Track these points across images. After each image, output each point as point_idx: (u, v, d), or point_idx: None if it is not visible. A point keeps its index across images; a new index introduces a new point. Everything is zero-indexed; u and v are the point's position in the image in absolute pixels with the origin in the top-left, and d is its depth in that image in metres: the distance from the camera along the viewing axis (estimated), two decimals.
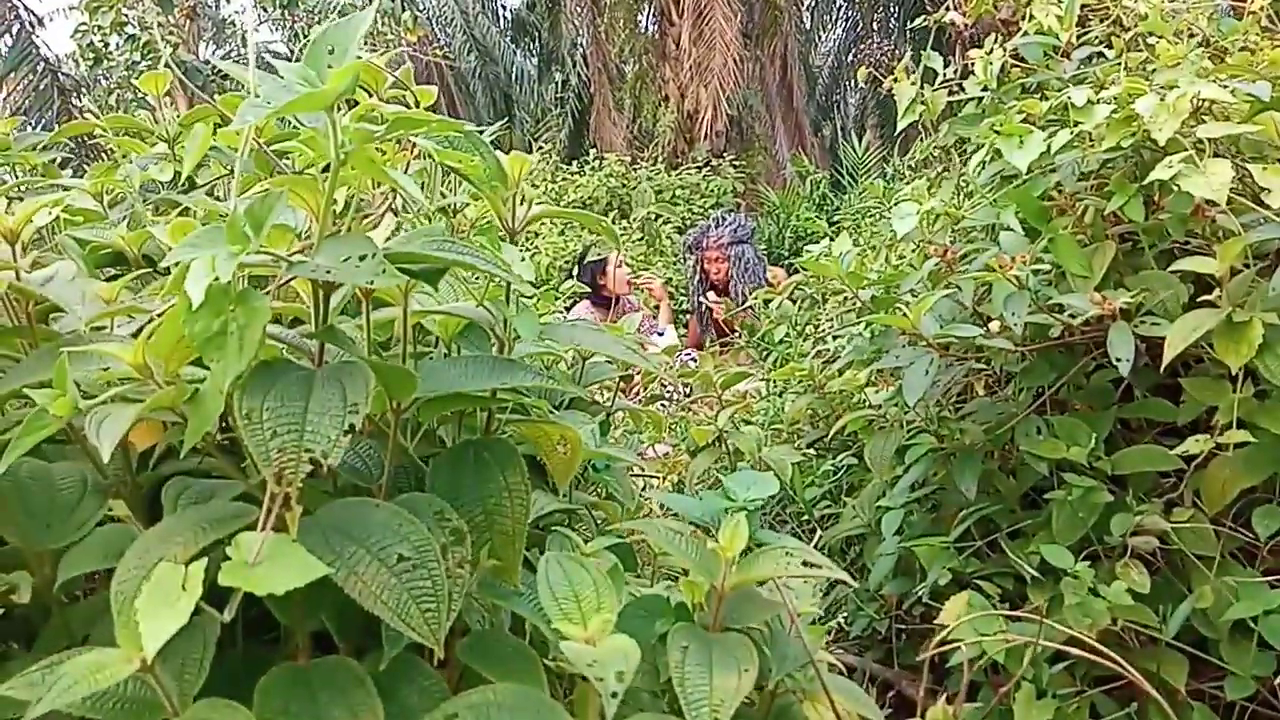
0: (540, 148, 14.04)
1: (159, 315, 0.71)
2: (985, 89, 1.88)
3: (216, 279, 0.53)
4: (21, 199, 1.53)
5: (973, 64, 2.00)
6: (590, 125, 14.74)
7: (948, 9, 2.12)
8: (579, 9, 13.90)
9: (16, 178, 1.68)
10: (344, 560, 0.61)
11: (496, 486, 0.77)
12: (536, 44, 22.42)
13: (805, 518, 1.98)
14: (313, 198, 0.59)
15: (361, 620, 0.65)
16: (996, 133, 1.83)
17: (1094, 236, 1.50)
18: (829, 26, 22.04)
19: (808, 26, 19.83)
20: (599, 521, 1.25)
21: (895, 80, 2.08)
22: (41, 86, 9.80)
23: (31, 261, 1.04)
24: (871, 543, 1.75)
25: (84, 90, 12.68)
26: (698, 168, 9.35)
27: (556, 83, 17.73)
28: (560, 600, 0.67)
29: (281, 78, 0.54)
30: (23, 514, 0.72)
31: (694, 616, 0.79)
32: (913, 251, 1.74)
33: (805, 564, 0.72)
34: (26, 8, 9.77)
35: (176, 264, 0.53)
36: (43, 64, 9.86)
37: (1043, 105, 1.72)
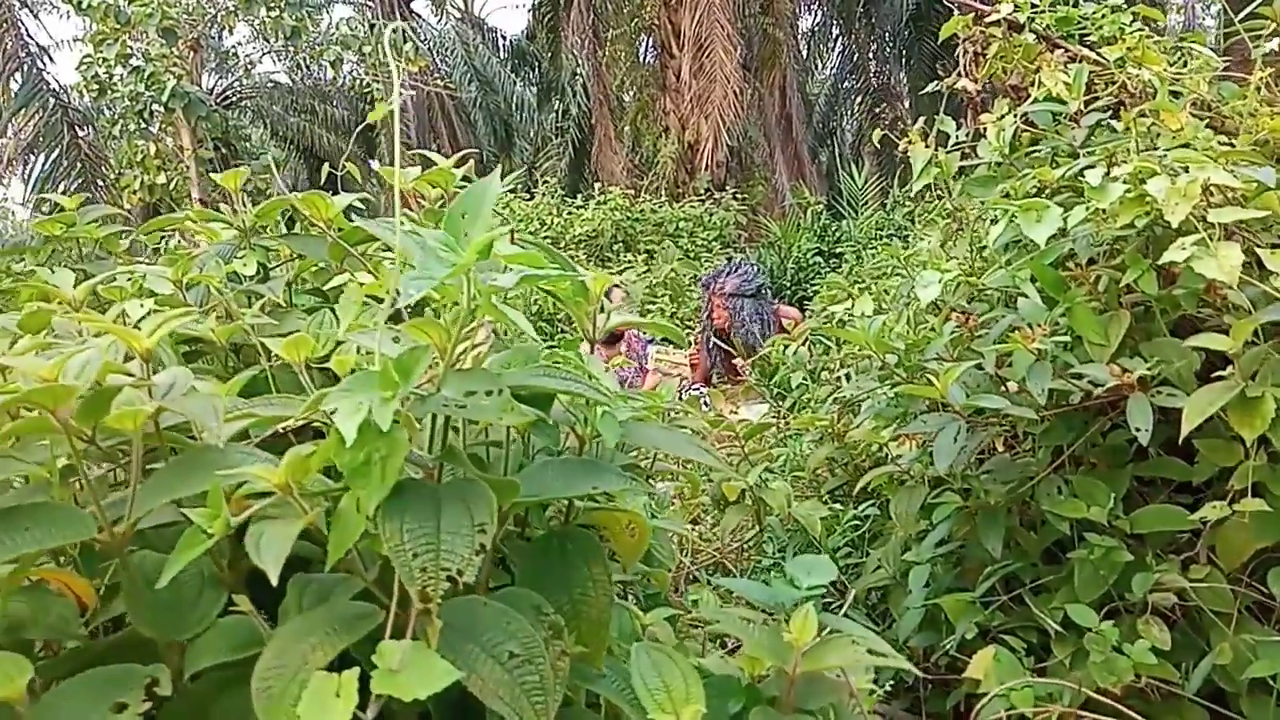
0: (543, 179, 14.20)
1: (285, 430, 0.78)
2: (1000, 154, 1.96)
3: (368, 419, 0.60)
4: (88, 274, 1.60)
5: (984, 128, 2.09)
6: (591, 155, 14.90)
7: (959, 76, 2.21)
8: (579, 40, 14.10)
9: (80, 252, 1.76)
10: (465, 660, 0.68)
11: (581, 577, 0.83)
12: (536, 73, 22.71)
13: None
14: (439, 336, 0.66)
15: (456, 698, 0.72)
16: (1008, 196, 1.92)
17: (1108, 304, 1.58)
18: (825, 55, 22.36)
19: (804, 56, 20.13)
20: (647, 586, 1.32)
21: (910, 141, 2.17)
22: (51, 121, 9.92)
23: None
24: (897, 594, 1.81)
25: (89, 122, 12.84)
26: (700, 200, 9.47)
27: (557, 112, 17.94)
28: (652, 691, 0.73)
29: (420, 239, 0.61)
30: (152, 606, 0.79)
31: (760, 694, 0.86)
32: (931, 313, 1.82)
33: (870, 652, 0.79)
34: (39, 44, 9.92)
35: (335, 406, 0.60)
36: (53, 99, 9.99)
37: (1055, 173, 1.81)
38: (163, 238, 2.19)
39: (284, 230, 1.29)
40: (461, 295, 0.62)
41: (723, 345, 4.46)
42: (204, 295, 1.26)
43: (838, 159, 22.14)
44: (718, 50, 11.05)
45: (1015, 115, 2.01)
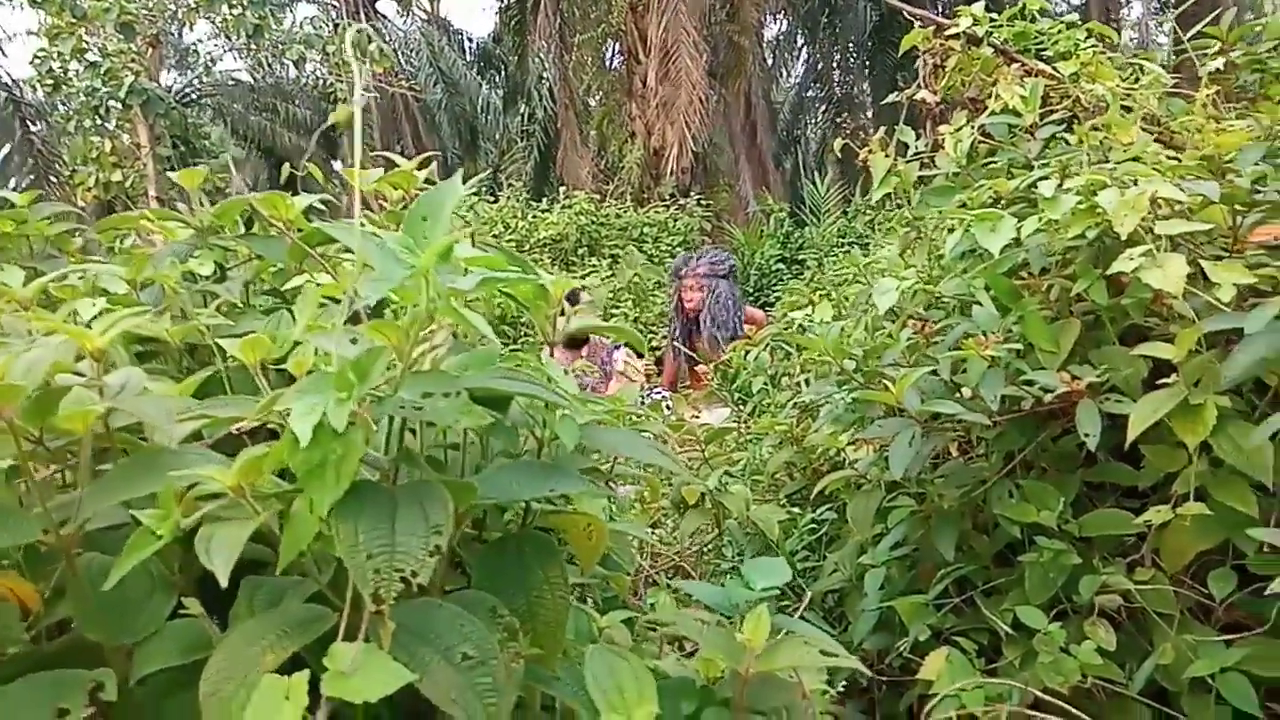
0: (508, 182, 14.14)
1: (240, 431, 0.77)
2: (957, 165, 2.00)
3: (323, 421, 0.60)
4: (39, 272, 1.57)
5: (943, 139, 2.13)
6: (557, 159, 14.88)
7: (919, 87, 2.26)
8: (546, 45, 14.08)
9: (31, 249, 1.72)
10: (418, 662, 0.67)
11: (538, 579, 0.83)
12: (502, 76, 22.64)
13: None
14: (396, 337, 0.66)
15: (410, 704, 0.72)
16: (965, 206, 1.96)
17: (1060, 313, 1.62)
18: (790, 64, 22.60)
19: (769, 65, 20.32)
20: (605, 589, 1.32)
21: (870, 151, 2.20)
22: (2, 115, 9.68)
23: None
24: (853, 596, 1.83)
25: (42, 116, 12.54)
26: (665, 205, 9.51)
27: (523, 115, 17.90)
28: (606, 692, 0.73)
29: (376, 237, 0.61)
30: (100, 609, 0.78)
31: (714, 695, 0.87)
32: (889, 320, 1.85)
33: (823, 653, 0.80)
34: None
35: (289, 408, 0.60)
36: (4, 93, 9.74)
37: (1010, 184, 1.85)
38: (118, 237, 2.15)
39: (242, 230, 1.28)
40: (420, 297, 0.62)
41: (688, 352, 4.47)
42: (159, 295, 1.24)
43: (801, 166, 22.37)
44: (684, 57, 11.11)
45: (973, 127, 2.06)
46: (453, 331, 0.84)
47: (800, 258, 8.46)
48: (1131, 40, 21.33)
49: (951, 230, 2.04)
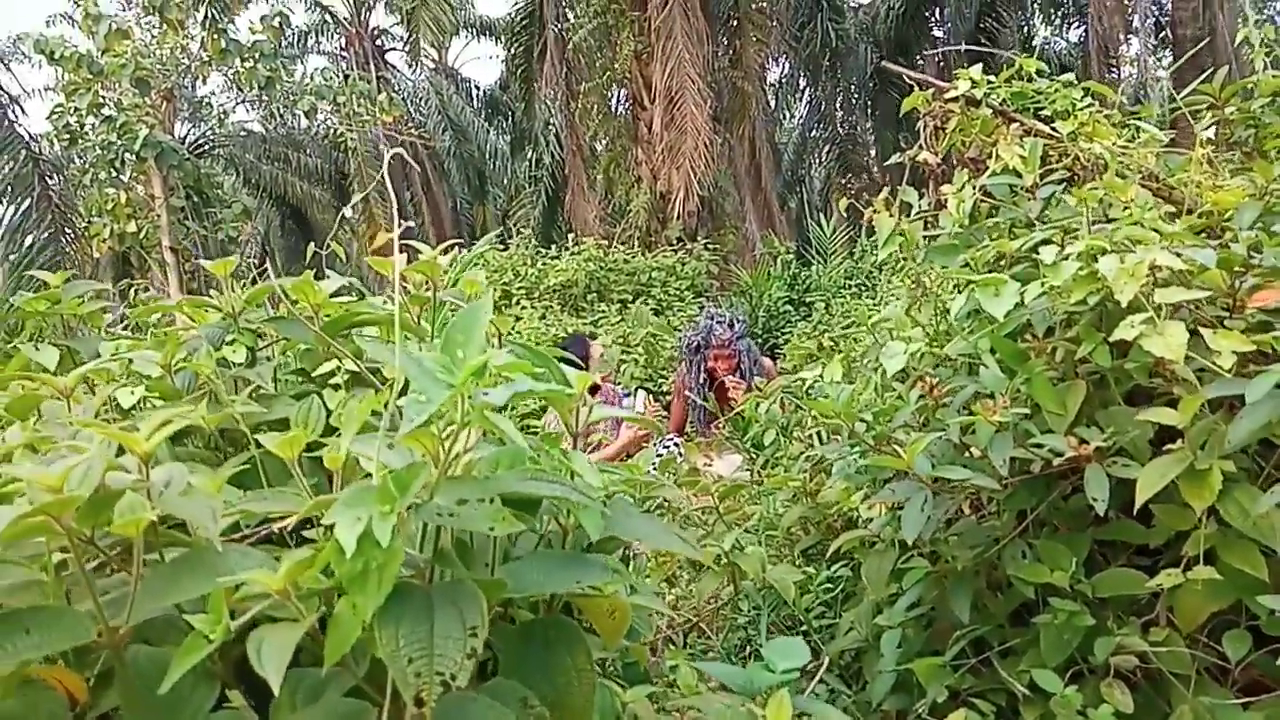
0: (516, 227, 14.30)
1: (282, 526, 0.81)
2: (960, 225, 2.05)
3: (368, 531, 0.63)
4: (70, 350, 1.62)
5: (946, 198, 2.19)
6: (565, 203, 15.06)
7: (920, 148, 2.31)
8: (553, 92, 14.33)
9: (65, 327, 1.77)
10: None
11: (564, 666, 0.86)
12: (510, 122, 23.01)
13: (804, 627, 2.07)
14: (432, 445, 0.70)
15: None
16: (968, 266, 2.00)
17: (1065, 374, 1.65)
18: (793, 105, 22.91)
19: (772, 107, 20.60)
20: (625, 656, 1.34)
21: (876, 210, 2.26)
22: (23, 173, 9.88)
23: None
24: (870, 656, 1.84)
25: (58, 170, 12.78)
26: (672, 249, 9.60)
27: (530, 160, 18.16)
28: None
29: (414, 354, 0.66)
30: (148, 703, 0.81)
31: None
32: (898, 380, 1.88)
33: None
34: (10, 95, 9.91)
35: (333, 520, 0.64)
36: (24, 151, 9.96)
37: (1012, 244, 1.89)
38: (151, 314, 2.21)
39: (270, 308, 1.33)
40: (456, 413, 0.66)
41: (703, 403, 4.50)
42: (191, 378, 1.29)
43: (806, 206, 22.57)
44: (688, 103, 11.28)
45: (974, 187, 2.11)
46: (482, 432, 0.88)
47: (808, 299, 8.51)
48: (1130, 75, 21.58)
49: (957, 288, 2.09)
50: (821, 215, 14.88)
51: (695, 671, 1.28)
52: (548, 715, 0.79)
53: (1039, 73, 2.32)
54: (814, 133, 21.92)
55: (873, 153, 21.41)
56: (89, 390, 1.28)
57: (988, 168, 2.20)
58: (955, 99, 2.28)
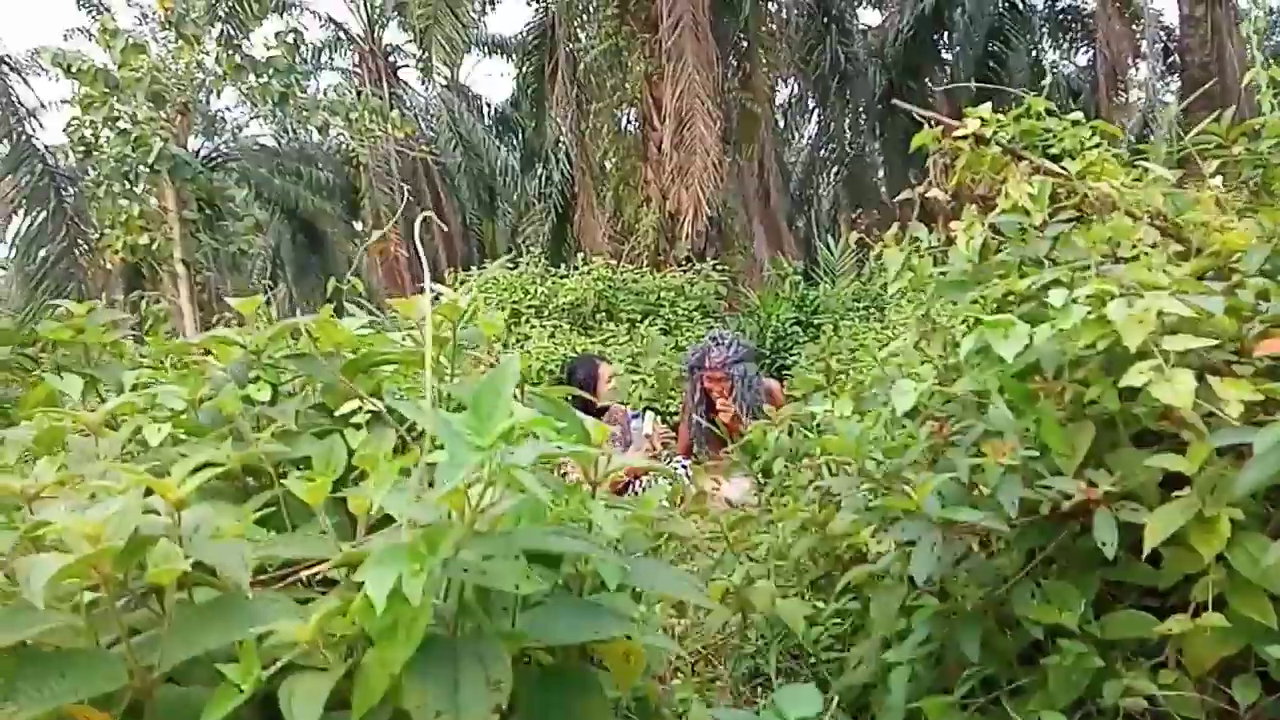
0: (525, 244, 14.37)
1: (312, 574, 0.83)
2: (969, 262, 2.07)
3: (397, 588, 0.65)
4: (100, 393, 1.65)
5: (955, 234, 2.21)
6: (574, 221, 15.15)
7: (930, 184, 2.34)
8: (563, 111, 14.44)
9: (88, 357, 1.80)
10: None
11: (584, 713, 0.88)
12: (520, 139, 23.19)
13: (813, 660, 2.08)
14: (459, 502, 0.72)
15: None
16: (978, 304, 2.02)
17: (1073, 415, 1.67)
18: (801, 125, 23.04)
19: (781, 127, 20.73)
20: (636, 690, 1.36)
21: (885, 246, 2.28)
22: (39, 186, 10.00)
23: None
24: (878, 691, 1.85)
25: (72, 182, 12.92)
26: (681, 269, 9.64)
27: (540, 178, 18.27)
28: None
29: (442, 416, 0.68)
30: None
31: None
32: (909, 417, 1.90)
33: None
34: (28, 109, 10.04)
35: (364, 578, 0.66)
36: (41, 164, 10.08)
37: (1022, 283, 1.91)
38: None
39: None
40: (484, 472, 0.68)
41: (710, 425, 4.52)
42: (215, 414, 1.32)
43: (814, 226, 22.63)
44: (698, 124, 11.36)
45: (983, 224, 2.13)
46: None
47: (816, 321, 8.53)
48: (1138, 100, 21.68)
49: (965, 324, 2.10)
50: (829, 236, 14.94)
51: (705, 711, 1.29)
52: None
53: (1048, 111, 2.35)
54: (822, 153, 22.04)
55: (880, 174, 21.53)
56: (113, 425, 1.30)
57: (996, 205, 2.23)
58: (964, 137, 2.30)
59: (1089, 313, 1.54)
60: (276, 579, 0.94)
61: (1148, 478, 1.50)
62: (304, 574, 0.85)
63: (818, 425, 2.88)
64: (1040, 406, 1.64)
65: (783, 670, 2.30)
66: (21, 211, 10.57)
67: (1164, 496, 1.50)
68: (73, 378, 1.61)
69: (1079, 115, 2.39)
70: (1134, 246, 2.00)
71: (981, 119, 2.28)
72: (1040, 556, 1.66)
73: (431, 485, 0.81)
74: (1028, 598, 1.60)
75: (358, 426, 1.20)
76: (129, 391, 1.54)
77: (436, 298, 1.25)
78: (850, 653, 2.04)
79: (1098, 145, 2.30)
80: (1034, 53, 19.76)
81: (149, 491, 0.96)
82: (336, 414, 1.23)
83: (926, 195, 2.31)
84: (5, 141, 10.17)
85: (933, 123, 2.36)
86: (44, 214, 10.14)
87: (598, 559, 0.87)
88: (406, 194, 20.93)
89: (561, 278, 8.43)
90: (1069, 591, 1.57)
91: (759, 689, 2.39)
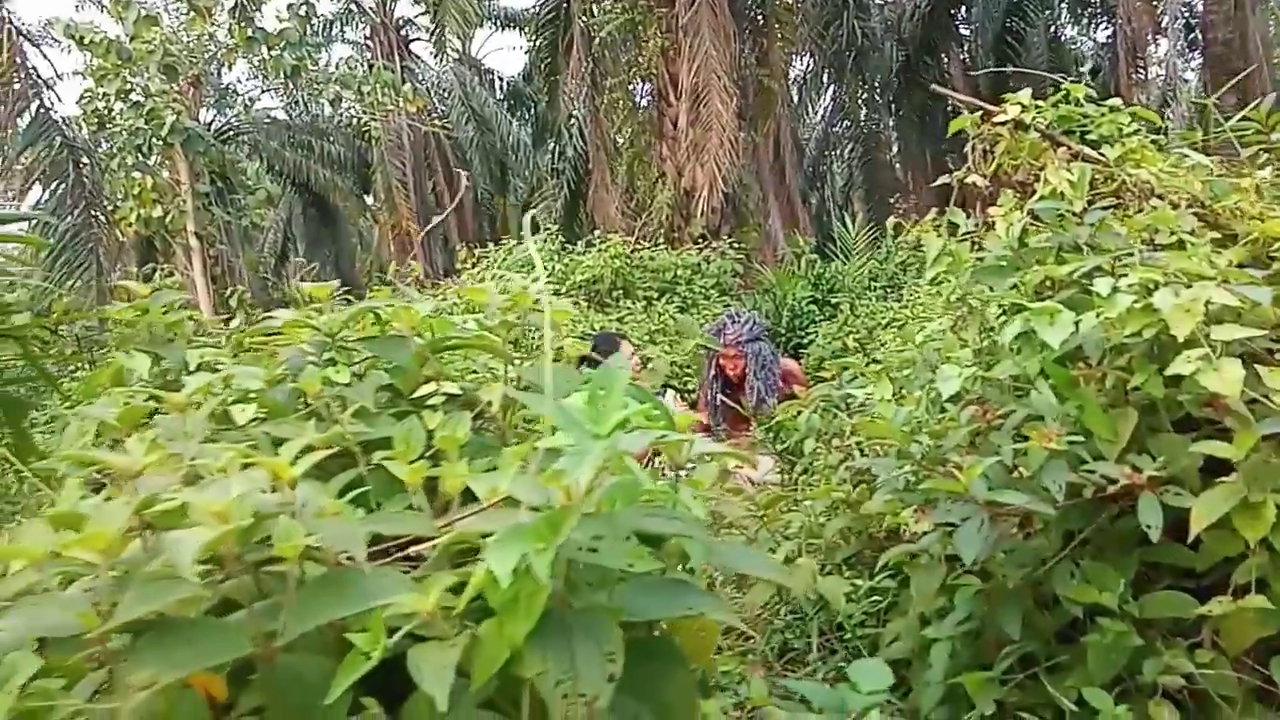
0: (540, 220, 14.33)
1: (422, 549, 0.88)
2: (1008, 248, 2.10)
3: (522, 563, 0.70)
4: (158, 357, 1.69)
5: (993, 220, 2.23)
6: (587, 197, 15.10)
7: (969, 171, 2.36)
8: (578, 86, 14.36)
9: (151, 335, 1.85)
10: None
11: (668, 684, 0.93)
12: (532, 114, 23.08)
13: (847, 636, 2.14)
14: (565, 485, 0.76)
15: None
16: (1016, 289, 2.05)
17: (1115, 401, 1.71)
18: (816, 101, 22.84)
19: (795, 102, 20.55)
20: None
21: (923, 230, 2.31)
22: (58, 158, 10.04)
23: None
24: (915, 667, 1.90)
25: (87, 154, 12.95)
26: (696, 247, 9.65)
27: (552, 153, 18.20)
28: None
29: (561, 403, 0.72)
30: (291, 708, 0.88)
31: None
32: (951, 402, 1.93)
33: None
34: (45, 82, 10.06)
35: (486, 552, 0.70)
36: (59, 136, 10.11)
37: (1062, 270, 1.94)
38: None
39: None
40: (595, 468, 0.72)
41: (729, 401, 4.55)
42: (289, 393, 1.36)
43: (831, 203, 22.53)
44: (715, 100, 11.30)
45: (1023, 211, 2.15)
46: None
47: (833, 300, 8.53)
48: (1158, 77, 21.43)
49: (1003, 310, 2.13)
50: (844, 213, 14.89)
51: (763, 683, 1.34)
52: None
53: (1087, 99, 2.36)
54: (836, 130, 21.88)
55: (895, 150, 21.37)
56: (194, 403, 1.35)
57: (1034, 191, 2.25)
58: (1003, 122, 2.32)
59: (1135, 301, 1.57)
60: (376, 557, 0.99)
61: (1189, 463, 1.54)
62: (415, 550, 0.90)
63: (848, 406, 2.92)
64: (1082, 392, 1.68)
65: (815, 646, 2.36)
66: (41, 185, 10.61)
67: (1204, 481, 1.54)
68: (140, 356, 1.66)
69: (1117, 101, 2.41)
70: (1172, 233, 2.02)
71: (1021, 104, 2.29)
72: (1079, 539, 1.70)
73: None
74: (1067, 578, 1.64)
75: (433, 408, 1.24)
76: (194, 371, 1.59)
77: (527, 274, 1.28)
78: (885, 629, 2.09)
79: (1136, 131, 2.32)
80: (1052, 28, 19.53)
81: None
82: (412, 396, 1.28)
83: (965, 181, 2.33)
84: (24, 114, 10.20)
85: (972, 108, 2.37)
86: (63, 187, 10.18)
87: (687, 539, 0.91)
88: (418, 169, 20.91)
89: (579, 254, 8.45)
90: (1107, 572, 1.62)
91: (791, 663, 2.45)
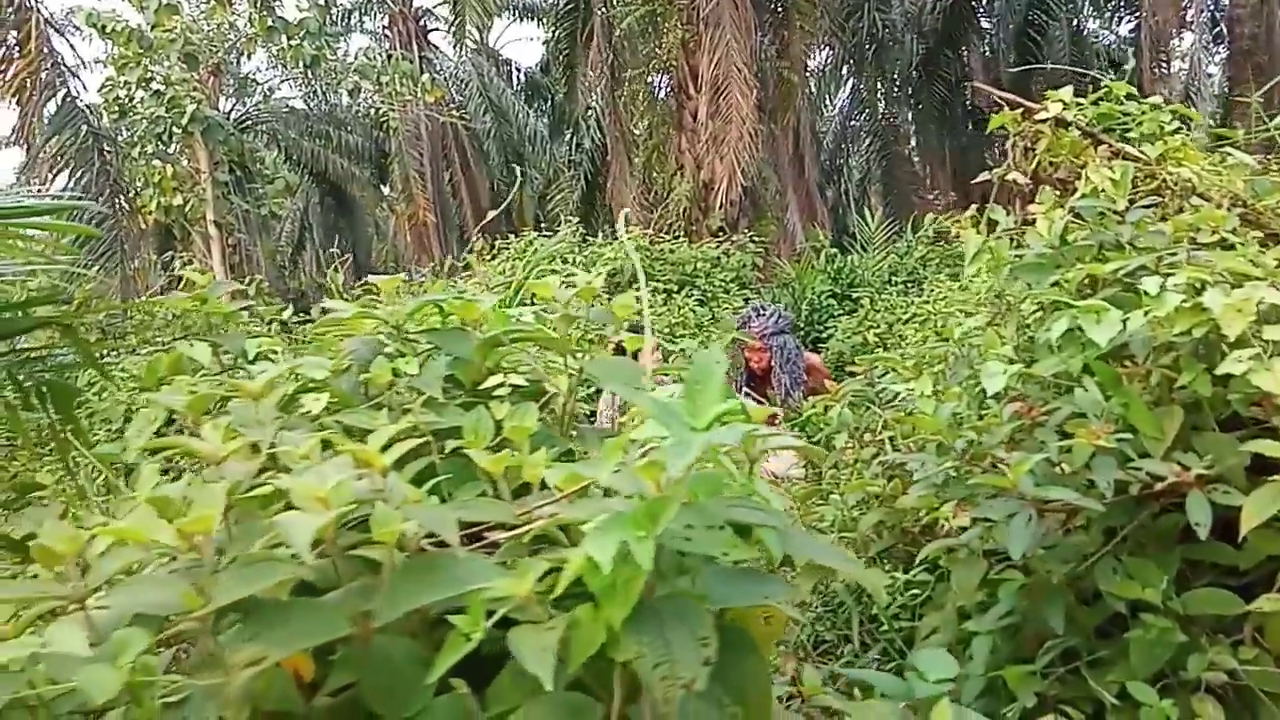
0: (553, 211, 14.36)
1: (511, 536, 0.91)
2: (1049, 246, 2.11)
3: (622, 548, 0.73)
4: (217, 346, 1.73)
5: (1033, 217, 2.24)
6: (605, 188, 15.13)
7: (1009, 168, 2.37)
8: (596, 78, 14.36)
9: (210, 325, 1.88)
10: None
11: (742, 670, 0.96)
12: (549, 105, 23.09)
13: (884, 629, 2.16)
14: (658, 474, 0.79)
15: None
16: (1058, 286, 2.06)
17: (1159, 399, 1.72)
18: (834, 93, 22.74)
19: (814, 94, 20.47)
20: None
21: (962, 228, 2.32)
22: (84, 147, 10.13)
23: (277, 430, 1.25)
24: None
25: (110, 142, 13.07)
26: (716, 240, 9.65)
27: (569, 144, 18.20)
28: None
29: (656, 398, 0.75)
30: (381, 687, 0.91)
31: None
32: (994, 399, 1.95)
33: None
34: (72, 71, 10.14)
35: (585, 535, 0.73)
36: (85, 125, 10.20)
37: (1105, 268, 1.95)
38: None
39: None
40: (690, 459, 0.75)
41: (754, 395, 4.58)
42: (354, 383, 1.39)
43: (848, 196, 22.45)
44: (735, 93, 11.28)
45: (1065, 209, 2.16)
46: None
47: (853, 294, 8.53)
48: (1181, 71, 21.23)
49: (1041, 307, 2.15)
50: (864, 207, 14.84)
51: (815, 672, 1.37)
52: (740, 713, 0.88)
53: (1129, 96, 2.36)
54: (854, 122, 21.80)
55: (913, 143, 21.26)
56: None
57: (1075, 189, 2.26)
58: (1044, 121, 2.33)
59: (1184, 300, 1.58)
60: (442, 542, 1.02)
61: (1236, 461, 1.55)
62: (503, 537, 0.93)
63: (879, 401, 2.94)
64: (1126, 389, 1.69)
65: (849, 638, 2.39)
66: (66, 172, 10.72)
67: (1251, 480, 1.56)
68: (200, 344, 1.70)
69: (1158, 99, 2.41)
70: (1214, 232, 2.03)
71: (1063, 102, 2.30)
72: (1121, 535, 1.72)
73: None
74: (1110, 573, 1.66)
75: (500, 399, 1.27)
76: (254, 360, 1.63)
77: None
78: (921, 623, 2.12)
79: (1177, 130, 2.32)
80: (1075, 21, 19.36)
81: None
82: (479, 388, 1.31)
83: (1005, 178, 2.34)
84: (51, 102, 10.30)
85: (1013, 105, 2.38)
86: (88, 175, 10.28)
87: (766, 530, 0.94)
88: (435, 159, 20.96)
89: (600, 247, 8.47)
90: (1150, 568, 1.64)
91: (824, 655, 2.48)
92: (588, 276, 1.31)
